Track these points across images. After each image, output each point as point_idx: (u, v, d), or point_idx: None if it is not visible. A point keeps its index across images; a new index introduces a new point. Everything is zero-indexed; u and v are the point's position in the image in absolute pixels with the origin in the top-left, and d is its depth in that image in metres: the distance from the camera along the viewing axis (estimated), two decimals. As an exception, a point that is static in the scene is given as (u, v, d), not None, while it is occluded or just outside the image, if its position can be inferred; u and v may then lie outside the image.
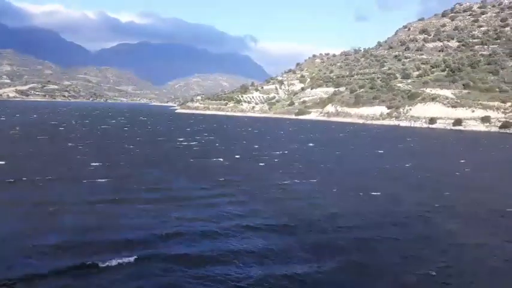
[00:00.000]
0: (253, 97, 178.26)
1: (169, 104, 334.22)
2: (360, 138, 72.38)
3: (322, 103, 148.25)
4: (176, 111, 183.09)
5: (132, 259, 13.06)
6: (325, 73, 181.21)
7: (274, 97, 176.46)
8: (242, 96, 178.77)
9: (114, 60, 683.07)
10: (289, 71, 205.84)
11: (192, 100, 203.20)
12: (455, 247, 15.49)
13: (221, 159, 36.44)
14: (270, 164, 35.08)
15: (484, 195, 25.07)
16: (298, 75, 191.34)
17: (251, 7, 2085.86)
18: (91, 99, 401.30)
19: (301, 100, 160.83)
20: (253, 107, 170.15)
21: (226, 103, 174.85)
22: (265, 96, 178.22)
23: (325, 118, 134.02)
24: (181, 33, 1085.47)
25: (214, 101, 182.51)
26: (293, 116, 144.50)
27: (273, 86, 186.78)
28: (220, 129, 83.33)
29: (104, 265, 12.53)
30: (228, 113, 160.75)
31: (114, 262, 12.76)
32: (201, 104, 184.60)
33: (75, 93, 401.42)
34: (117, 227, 16.58)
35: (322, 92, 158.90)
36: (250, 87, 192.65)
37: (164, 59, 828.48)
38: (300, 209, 20.34)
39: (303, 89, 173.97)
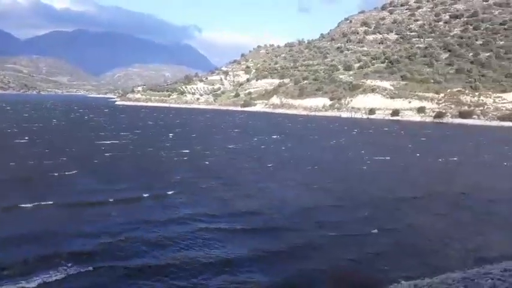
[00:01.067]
0: (197, 88, 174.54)
1: (109, 95, 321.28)
2: (314, 130, 72.68)
3: (267, 94, 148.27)
4: (116, 103, 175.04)
5: (84, 270, 11.96)
6: (270, 64, 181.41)
7: (220, 88, 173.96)
8: (186, 88, 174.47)
9: (48, 49, 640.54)
10: (234, 61, 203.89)
11: (132, 91, 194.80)
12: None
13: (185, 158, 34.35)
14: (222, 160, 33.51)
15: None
16: (244, 66, 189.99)
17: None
18: (22, 90, 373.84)
19: (247, 91, 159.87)
20: (198, 99, 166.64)
21: (170, 94, 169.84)
22: (210, 87, 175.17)
23: (270, 110, 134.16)
24: (120, 21, 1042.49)
25: (156, 92, 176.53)
26: (239, 108, 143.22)
27: (218, 77, 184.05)
28: (179, 125, 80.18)
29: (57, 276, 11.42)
30: (172, 105, 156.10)
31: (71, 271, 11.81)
32: (142, 95, 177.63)
33: (3, 85, 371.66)
34: (61, 234, 15.06)
35: (268, 83, 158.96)
36: (194, 78, 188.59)
37: (102, 49, 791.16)
38: (264, 207, 19.19)
39: (248, 80, 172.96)
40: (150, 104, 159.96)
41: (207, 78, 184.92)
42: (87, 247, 13.73)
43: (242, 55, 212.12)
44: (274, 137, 54.45)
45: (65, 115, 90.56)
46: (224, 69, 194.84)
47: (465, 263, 12.53)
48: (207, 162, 32.05)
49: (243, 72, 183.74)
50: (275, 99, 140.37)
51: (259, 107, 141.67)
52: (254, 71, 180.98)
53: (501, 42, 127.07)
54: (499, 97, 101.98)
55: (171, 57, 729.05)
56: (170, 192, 21.64)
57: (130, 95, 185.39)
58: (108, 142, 42.62)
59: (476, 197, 22.60)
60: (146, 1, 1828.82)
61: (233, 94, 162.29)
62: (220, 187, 23.50)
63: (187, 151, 37.57)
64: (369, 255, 13.92)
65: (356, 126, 79.59)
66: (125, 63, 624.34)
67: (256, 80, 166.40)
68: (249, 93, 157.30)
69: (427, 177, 28.75)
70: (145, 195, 20.93)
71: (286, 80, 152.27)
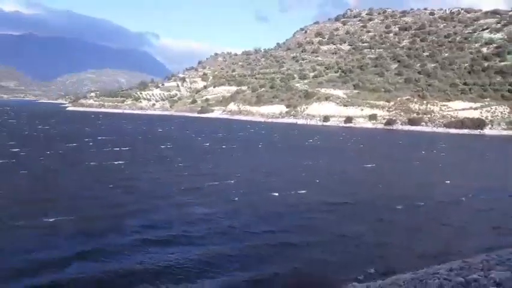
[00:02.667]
0: (153, 94, 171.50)
1: (60, 101, 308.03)
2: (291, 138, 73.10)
3: (225, 101, 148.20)
4: (67, 109, 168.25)
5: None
6: (227, 72, 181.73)
7: (176, 94, 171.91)
8: (141, 93, 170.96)
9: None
10: (192, 68, 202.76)
11: (85, 97, 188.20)
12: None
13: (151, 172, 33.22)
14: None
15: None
16: (201, 73, 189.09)
17: (153, 2, 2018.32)
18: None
19: (204, 98, 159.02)
20: (154, 104, 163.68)
21: (124, 100, 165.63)
22: (166, 93, 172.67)
23: (228, 116, 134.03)
24: (73, 26, 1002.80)
25: (110, 98, 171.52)
26: (196, 114, 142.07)
27: (174, 83, 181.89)
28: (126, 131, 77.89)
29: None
30: (126, 111, 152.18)
31: None
32: (95, 101, 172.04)
33: None
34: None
35: (225, 90, 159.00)
36: (150, 84, 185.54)
37: (53, 53, 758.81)
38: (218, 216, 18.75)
39: (205, 87, 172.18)
40: (103, 109, 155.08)
41: (163, 85, 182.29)
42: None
43: (199, 62, 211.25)
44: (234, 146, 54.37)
45: None
46: (181, 75, 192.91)
47: (414, 263, 12.74)
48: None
49: (200, 79, 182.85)
50: (233, 106, 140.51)
51: (216, 113, 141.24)
52: (211, 78, 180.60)
53: (446, 54, 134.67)
54: (444, 105, 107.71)
55: (126, 63, 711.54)
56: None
57: (82, 101, 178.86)
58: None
59: (417, 200, 23.52)
60: (103, 7, 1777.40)
61: (190, 100, 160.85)
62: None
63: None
64: (318, 260, 13.74)
65: (315, 133, 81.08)
66: (78, 68, 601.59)
67: (214, 87, 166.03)
68: (207, 99, 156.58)
69: (369, 183, 29.63)
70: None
71: (244, 87, 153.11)
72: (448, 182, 28.23)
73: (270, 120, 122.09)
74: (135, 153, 39.22)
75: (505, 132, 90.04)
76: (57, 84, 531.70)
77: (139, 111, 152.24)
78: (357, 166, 35.73)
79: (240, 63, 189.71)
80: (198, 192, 22.85)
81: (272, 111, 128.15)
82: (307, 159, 38.49)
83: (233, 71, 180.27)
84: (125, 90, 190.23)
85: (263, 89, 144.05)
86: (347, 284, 10.32)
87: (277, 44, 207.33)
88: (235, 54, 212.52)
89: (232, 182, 26.08)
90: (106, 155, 35.83)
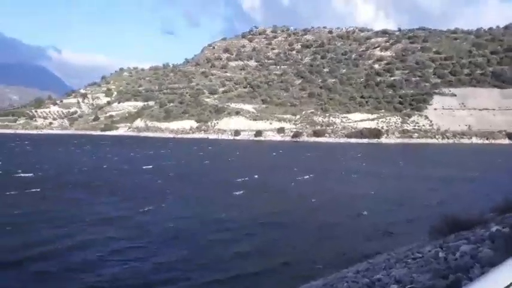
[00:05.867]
0: (50, 112, 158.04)
1: None
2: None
3: (131, 117, 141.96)
4: None
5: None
6: (133, 87, 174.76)
7: (77, 112, 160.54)
8: (36, 111, 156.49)
9: None
10: (94, 84, 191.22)
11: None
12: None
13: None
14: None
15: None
16: (104, 89, 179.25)
17: (52, 15, 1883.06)
18: None
19: (108, 115, 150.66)
20: (51, 123, 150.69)
21: (16, 119, 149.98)
22: (65, 111, 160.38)
23: (135, 133, 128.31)
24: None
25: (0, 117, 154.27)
26: (99, 132, 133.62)
27: (74, 100, 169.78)
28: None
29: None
30: (18, 131, 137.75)
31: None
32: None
33: None
34: None
35: (131, 106, 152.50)
36: (47, 101, 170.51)
37: None
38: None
39: (109, 102, 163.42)
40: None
41: (62, 101, 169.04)
42: None
43: (103, 77, 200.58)
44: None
45: None
46: (82, 91, 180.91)
47: (324, 269, 12.54)
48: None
49: (104, 94, 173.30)
50: (139, 122, 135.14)
51: (121, 130, 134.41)
52: (116, 93, 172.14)
53: (344, 70, 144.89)
54: (345, 117, 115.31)
55: (18, 79, 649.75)
56: None
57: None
58: None
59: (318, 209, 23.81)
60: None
61: (92, 118, 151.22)
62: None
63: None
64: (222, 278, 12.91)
65: (230, 149, 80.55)
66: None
67: (119, 103, 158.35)
68: (111, 116, 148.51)
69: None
70: None
71: (151, 103, 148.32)
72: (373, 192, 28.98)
73: (180, 136, 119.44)
74: None
75: (399, 140, 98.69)
76: None
77: (35, 131, 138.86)
78: (291, 178, 35.55)
79: (148, 78, 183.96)
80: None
81: (182, 127, 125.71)
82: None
83: (140, 86, 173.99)
84: (17, 108, 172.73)
85: (172, 104, 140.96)
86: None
87: (186, 59, 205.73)
88: (142, 70, 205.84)
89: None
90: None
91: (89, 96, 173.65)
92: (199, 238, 16.53)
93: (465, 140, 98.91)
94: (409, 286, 6.41)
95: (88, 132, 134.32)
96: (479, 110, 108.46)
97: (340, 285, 8.70)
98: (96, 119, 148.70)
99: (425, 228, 15.37)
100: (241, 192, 27.23)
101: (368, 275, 8.61)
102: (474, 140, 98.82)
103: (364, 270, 10.03)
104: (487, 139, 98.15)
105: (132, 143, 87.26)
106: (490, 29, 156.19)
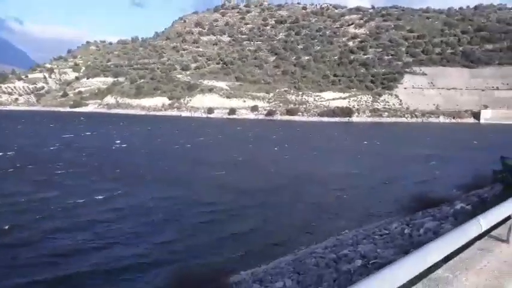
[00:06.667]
0: (15, 87, 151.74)
1: None
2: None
3: (101, 94, 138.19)
4: None
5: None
6: (102, 62, 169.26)
7: (43, 87, 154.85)
8: (0, 87, 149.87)
9: None
10: (60, 58, 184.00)
11: None
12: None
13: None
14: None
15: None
16: (72, 63, 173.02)
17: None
18: None
19: (77, 91, 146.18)
20: (17, 99, 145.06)
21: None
22: (31, 86, 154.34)
23: (105, 110, 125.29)
24: None
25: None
26: (68, 109, 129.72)
27: (40, 75, 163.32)
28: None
29: None
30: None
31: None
32: None
33: None
34: None
35: (100, 82, 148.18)
36: (11, 76, 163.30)
37: None
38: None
39: (77, 78, 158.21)
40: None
41: (27, 77, 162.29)
42: None
43: (69, 51, 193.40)
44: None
45: None
46: (48, 66, 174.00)
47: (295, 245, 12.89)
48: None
49: (71, 70, 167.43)
50: (110, 99, 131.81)
51: (91, 107, 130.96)
52: (84, 68, 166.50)
53: (318, 47, 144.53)
54: (318, 96, 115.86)
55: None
56: None
57: None
58: None
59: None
60: None
61: (60, 94, 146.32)
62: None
63: None
64: (200, 255, 13.08)
65: (204, 126, 79.81)
66: None
67: (87, 78, 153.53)
68: (80, 92, 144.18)
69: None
70: None
71: (122, 79, 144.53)
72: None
73: (152, 113, 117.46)
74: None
75: (369, 119, 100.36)
76: None
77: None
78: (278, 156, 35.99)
79: (116, 53, 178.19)
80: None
81: (154, 104, 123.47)
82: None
83: (108, 61, 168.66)
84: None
85: (143, 80, 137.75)
86: (233, 274, 10.32)
87: (156, 33, 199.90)
88: (110, 43, 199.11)
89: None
90: None
91: (56, 71, 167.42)
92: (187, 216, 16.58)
93: (433, 119, 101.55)
94: (373, 261, 6.68)
95: (56, 109, 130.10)
96: (448, 89, 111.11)
97: (308, 260, 9.04)
98: (65, 95, 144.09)
99: (396, 205, 15.92)
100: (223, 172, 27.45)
101: (335, 251, 8.96)
102: (441, 119, 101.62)
103: (332, 246, 10.40)
104: (453, 118, 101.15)
105: (105, 121, 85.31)
106: (461, 8, 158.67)
